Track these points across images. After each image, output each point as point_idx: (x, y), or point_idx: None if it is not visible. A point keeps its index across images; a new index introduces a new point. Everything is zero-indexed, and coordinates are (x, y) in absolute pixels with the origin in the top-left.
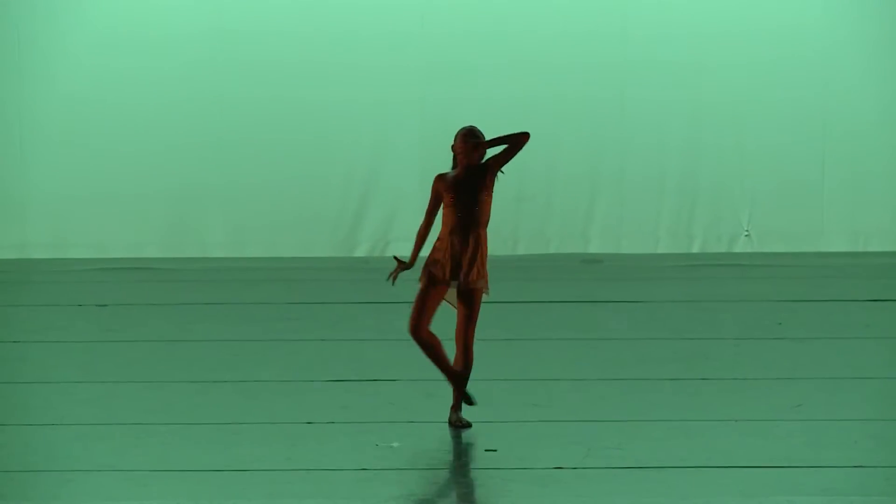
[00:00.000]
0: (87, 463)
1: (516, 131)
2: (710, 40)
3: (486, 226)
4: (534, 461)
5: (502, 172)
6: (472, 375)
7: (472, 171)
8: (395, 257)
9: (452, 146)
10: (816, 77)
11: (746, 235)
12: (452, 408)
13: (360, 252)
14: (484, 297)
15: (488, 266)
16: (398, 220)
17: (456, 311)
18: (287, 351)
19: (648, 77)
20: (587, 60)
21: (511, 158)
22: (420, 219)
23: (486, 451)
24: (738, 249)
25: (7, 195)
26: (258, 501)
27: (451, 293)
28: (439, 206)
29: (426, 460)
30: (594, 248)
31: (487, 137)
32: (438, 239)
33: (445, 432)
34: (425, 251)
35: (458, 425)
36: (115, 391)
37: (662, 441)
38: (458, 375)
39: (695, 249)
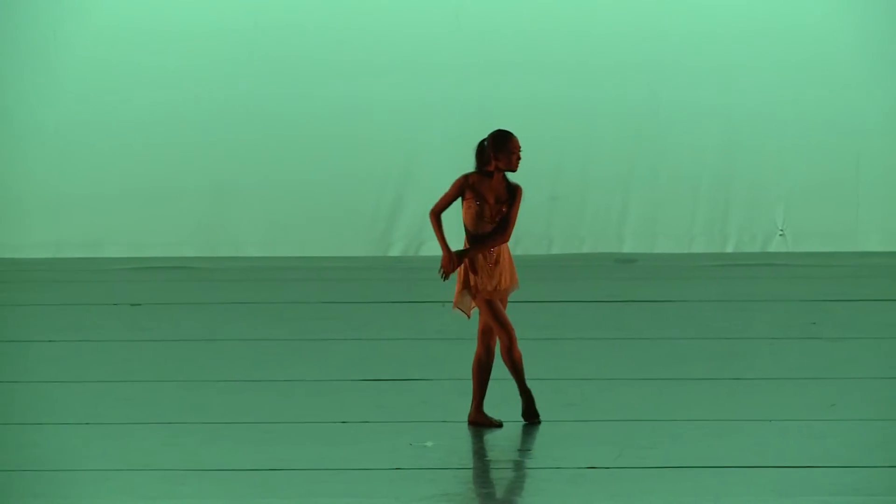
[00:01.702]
0: (123, 462)
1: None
2: (744, 40)
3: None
4: (567, 461)
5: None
6: (508, 375)
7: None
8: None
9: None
10: (850, 76)
11: (781, 235)
12: (480, 408)
13: (395, 251)
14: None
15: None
16: None
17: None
18: (321, 350)
19: (682, 77)
20: (622, 60)
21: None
22: (454, 223)
23: (519, 450)
24: (772, 249)
25: (42, 195)
26: (292, 501)
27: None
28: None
29: (460, 459)
30: (628, 247)
31: (522, 134)
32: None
33: (479, 432)
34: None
35: (488, 425)
36: (149, 390)
37: (696, 441)
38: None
39: (729, 249)
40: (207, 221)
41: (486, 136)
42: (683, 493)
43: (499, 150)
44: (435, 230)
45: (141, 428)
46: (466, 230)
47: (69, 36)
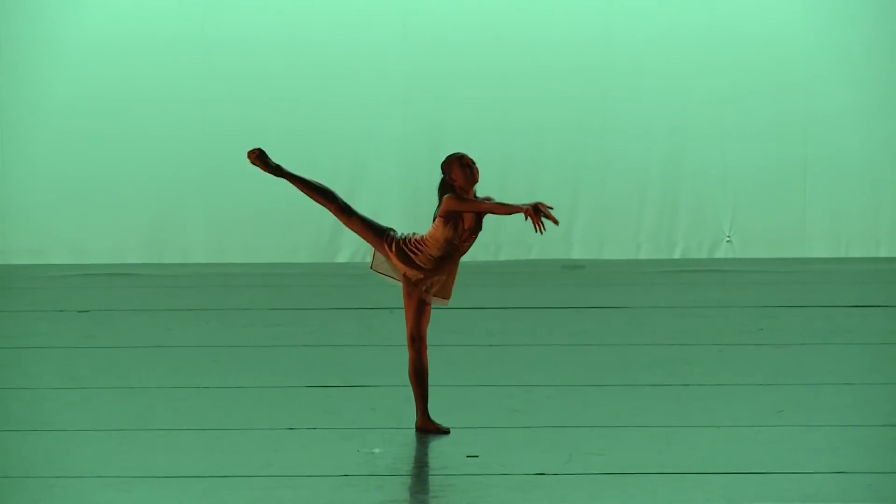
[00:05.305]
0: (69, 469)
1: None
2: (693, 43)
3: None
4: (516, 467)
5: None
6: (455, 381)
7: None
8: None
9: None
10: (798, 82)
11: (728, 241)
12: (426, 414)
13: (342, 258)
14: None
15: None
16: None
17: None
18: (269, 356)
19: (631, 82)
20: (569, 63)
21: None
22: (403, 222)
23: (467, 456)
24: (719, 255)
25: None
26: None
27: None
28: None
29: (408, 466)
30: (576, 254)
31: (473, 146)
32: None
33: (427, 438)
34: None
35: (436, 431)
36: (96, 397)
37: (645, 447)
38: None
39: (676, 255)
40: (154, 228)
41: (438, 169)
42: (633, 500)
43: (452, 171)
44: (500, 206)
45: (87, 435)
46: (427, 248)
47: (14, 41)
